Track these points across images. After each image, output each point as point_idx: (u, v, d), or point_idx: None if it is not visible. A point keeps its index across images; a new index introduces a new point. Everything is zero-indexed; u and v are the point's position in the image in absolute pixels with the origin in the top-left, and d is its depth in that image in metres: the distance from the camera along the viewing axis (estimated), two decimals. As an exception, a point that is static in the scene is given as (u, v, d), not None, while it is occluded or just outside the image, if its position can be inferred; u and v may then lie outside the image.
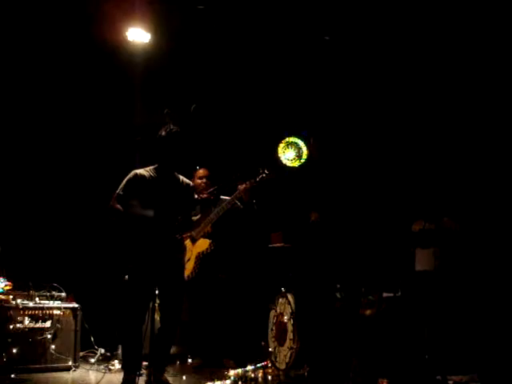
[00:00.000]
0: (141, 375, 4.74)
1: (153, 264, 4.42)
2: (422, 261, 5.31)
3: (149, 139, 4.82)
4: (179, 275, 4.81)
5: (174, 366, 5.45)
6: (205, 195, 4.95)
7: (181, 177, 4.81)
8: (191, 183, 4.90)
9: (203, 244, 5.73)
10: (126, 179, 4.66)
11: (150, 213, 4.52)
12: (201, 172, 5.97)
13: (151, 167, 4.73)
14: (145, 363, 5.03)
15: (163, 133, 4.63)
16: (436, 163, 5.74)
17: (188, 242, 5.74)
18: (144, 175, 4.65)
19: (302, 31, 5.70)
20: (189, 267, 5.68)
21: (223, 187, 5.01)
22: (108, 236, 5.63)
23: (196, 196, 5.13)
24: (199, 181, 5.90)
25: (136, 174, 4.65)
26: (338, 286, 5.19)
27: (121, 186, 4.64)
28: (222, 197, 5.72)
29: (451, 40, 5.51)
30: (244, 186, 5.54)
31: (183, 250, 4.98)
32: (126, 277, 4.82)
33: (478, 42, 5.38)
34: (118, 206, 4.58)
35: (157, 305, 4.72)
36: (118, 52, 5.70)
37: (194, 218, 5.37)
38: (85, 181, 6.76)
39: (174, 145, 4.61)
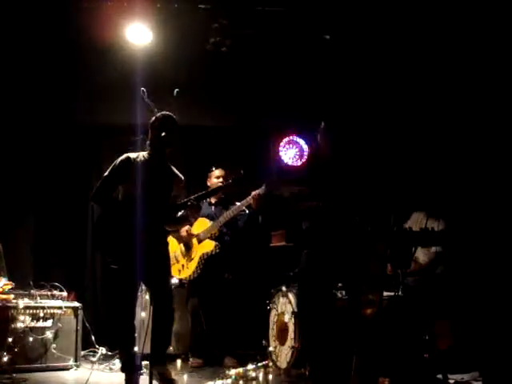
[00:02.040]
0: (141, 374, 4.74)
1: (138, 252, 4.25)
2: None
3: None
4: (166, 265, 4.62)
5: (174, 365, 5.44)
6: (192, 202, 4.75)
7: (174, 168, 4.69)
8: (183, 177, 4.73)
9: (208, 245, 5.74)
10: (116, 161, 4.55)
11: (138, 197, 4.37)
12: (217, 172, 5.95)
13: (144, 152, 4.62)
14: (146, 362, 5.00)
15: (154, 118, 4.53)
16: (429, 163, 5.74)
17: (194, 242, 5.75)
18: (135, 158, 4.54)
19: (301, 29, 5.69)
20: (191, 267, 5.70)
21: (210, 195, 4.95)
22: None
23: None
24: (216, 180, 5.88)
25: (128, 157, 4.54)
26: (339, 285, 5.19)
27: (110, 169, 4.54)
28: (237, 203, 5.72)
29: (451, 40, 5.51)
30: (255, 193, 5.52)
31: (167, 242, 4.81)
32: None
33: (478, 42, 5.37)
34: (104, 190, 4.49)
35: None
36: (118, 51, 5.70)
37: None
38: (85, 178, 6.78)
39: (164, 129, 4.44)
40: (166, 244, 4.77)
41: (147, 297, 4.68)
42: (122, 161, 4.54)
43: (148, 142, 4.61)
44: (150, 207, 4.35)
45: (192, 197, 4.56)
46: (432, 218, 5.29)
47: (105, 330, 6.16)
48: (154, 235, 4.38)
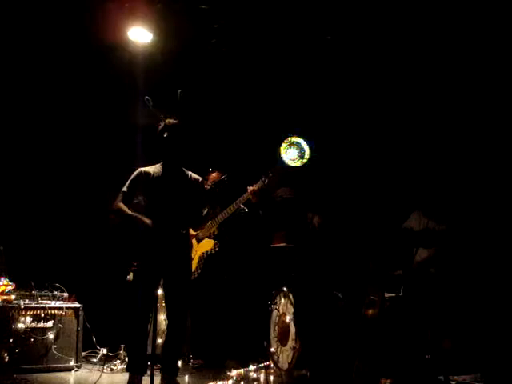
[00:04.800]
0: (144, 375, 4.73)
1: (157, 262, 4.34)
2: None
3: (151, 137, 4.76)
4: (186, 273, 4.68)
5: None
6: (207, 187, 4.84)
7: (189, 172, 4.73)
8: (200, 178, 4.78)
9: (208, 244, 5.73)
10: (131, 177, 4.62)
11: (155, 210, 4.46)
12: (213, 176, 5.94)
13: (157, 164, 4.68)
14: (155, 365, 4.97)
15: (160, 126, 4.56)
16: (430, 163, 5.75)
17: (193, 242, 5.75)
18: (149, 172, 4.60)
19: (303, 31, 5.69)
20: (192, 267, 5.68)
21: (225, 182, 4.91)
22: (110, 235, 5.62)
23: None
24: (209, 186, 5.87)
25: (140, 172, 4.61)
26: (340, 285, 5.19)
27: (126, 184, 4.60)
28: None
29: (449, 40, 5.51)
30: (252, 188, 5.52)
31: (190, 246, 4.85)
32: (129, 277, 4.78)
33: (477, 42, 5.37)
34: (121, 205, 4.52)
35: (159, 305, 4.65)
36: (120, 52, 5.70)
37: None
38: (87, 179, 6.77)
39: (173, 137, 4.50)
40: (188, 247, 4.75)
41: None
42: (133, 177, 4.61)
43: (159, 152, 4.63)
44: (168, 216, 4.42)
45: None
46: (432, 219, 5.29)
47: (106, 331, 6.15)
48: (173, 241, 4.43)
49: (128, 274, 4.87)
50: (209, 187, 4.70)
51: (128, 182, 4.61)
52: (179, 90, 4.63)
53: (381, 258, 5.09)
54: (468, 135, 5.68)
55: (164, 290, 4.55)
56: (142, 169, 4.64)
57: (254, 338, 5.98)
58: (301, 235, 5.42)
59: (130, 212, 4.52)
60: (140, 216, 4.47)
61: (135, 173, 4.63)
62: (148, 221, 4.43)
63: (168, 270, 4.45)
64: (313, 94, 6.35)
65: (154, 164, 4.71)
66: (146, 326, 4.46)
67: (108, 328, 6.19)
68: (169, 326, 4.58)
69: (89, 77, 6.09)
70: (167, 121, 4.57)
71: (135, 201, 4.58)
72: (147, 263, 4.44)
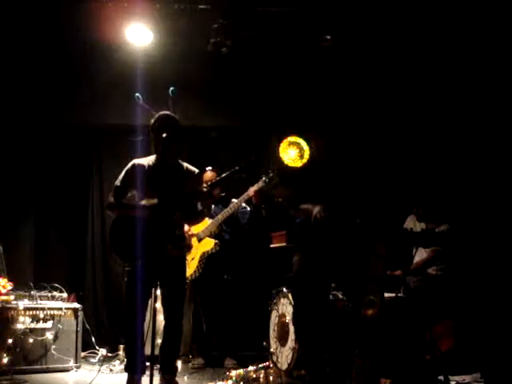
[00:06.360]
0: (143, 375, 4.72)
1: (152, 257, 4.23)
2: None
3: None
4: (181, 272, 4.60)
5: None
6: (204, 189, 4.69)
7: (185, 164, 4.62)
8: (197, 170, 4.67)
9: (208, 244, 5.73)
10: (124, 169, 4.54)
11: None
12: (208, 175, 5.91)
13: (152, 156, 4.58)
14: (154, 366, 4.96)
15: (154, 119, 4.50)
16: (431, 163, 5.74)
17: (194, 241, 5.74)
18: (143, 164, 4.50)
19: (302, 30, 5.69)
20: (192, 266, 5.69)
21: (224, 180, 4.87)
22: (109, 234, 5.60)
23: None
24: (204, 185, 5.83)
25: (134, 164, 4.52)
26: (340, 285, 5.18)
27: (119, 178, 4.52)
28: (233, 200, 5.71)
29: (449, 40, 5.51)
30: (254, 188, 5.52)
31: (184, 244, 4.78)
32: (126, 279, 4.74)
33: (477, 42, 5.37)
34: (114, 200, 4.45)
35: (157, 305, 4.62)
36: (118, 52, 5.70)
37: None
38: (85, 180, 6.78)
39: (167, 128, 4.37)
40: (181, 244, 4.63)
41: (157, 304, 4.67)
42: (127, 170, 4.53)
43: (152, 143, 4.55)
44: (161, 211, 4.31)
45: (205, 184, 4.51)
46: (428, 223, 5.28)
47: (105, 332, 6.16)
48: (165, 240, 4.31)
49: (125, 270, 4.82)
50: (205, 188, 4.51)
51: (122, 175, 4.52)
52: (171, 88, 4.57)
53: (381, 256, 5.08)
54: (467, 136, 5.67)
55: (160, 290, 4.51)
56: (136, 161, 4.54)
57: (253, 338, 5.99)
58: (301, 234, 5.41)
59: (122, 203, 4.45)
60: (133, 203, 4.39)
61: (129, 165, 4.53)
62: (142, 203, 4.35)
63: (163, 268, 4.33)
64: (312, 94, 6.34)
65: (150, 155, 4.60)
66: (142, 325, 4.42)
67: (107, 328, 6.21)
68: (166, 326, 4.55)
69: (88, 76, 6.10)
70: (160, 113, 4.49)
71: (129, 194, 4.49)
72: (141, 259, 4.30)
